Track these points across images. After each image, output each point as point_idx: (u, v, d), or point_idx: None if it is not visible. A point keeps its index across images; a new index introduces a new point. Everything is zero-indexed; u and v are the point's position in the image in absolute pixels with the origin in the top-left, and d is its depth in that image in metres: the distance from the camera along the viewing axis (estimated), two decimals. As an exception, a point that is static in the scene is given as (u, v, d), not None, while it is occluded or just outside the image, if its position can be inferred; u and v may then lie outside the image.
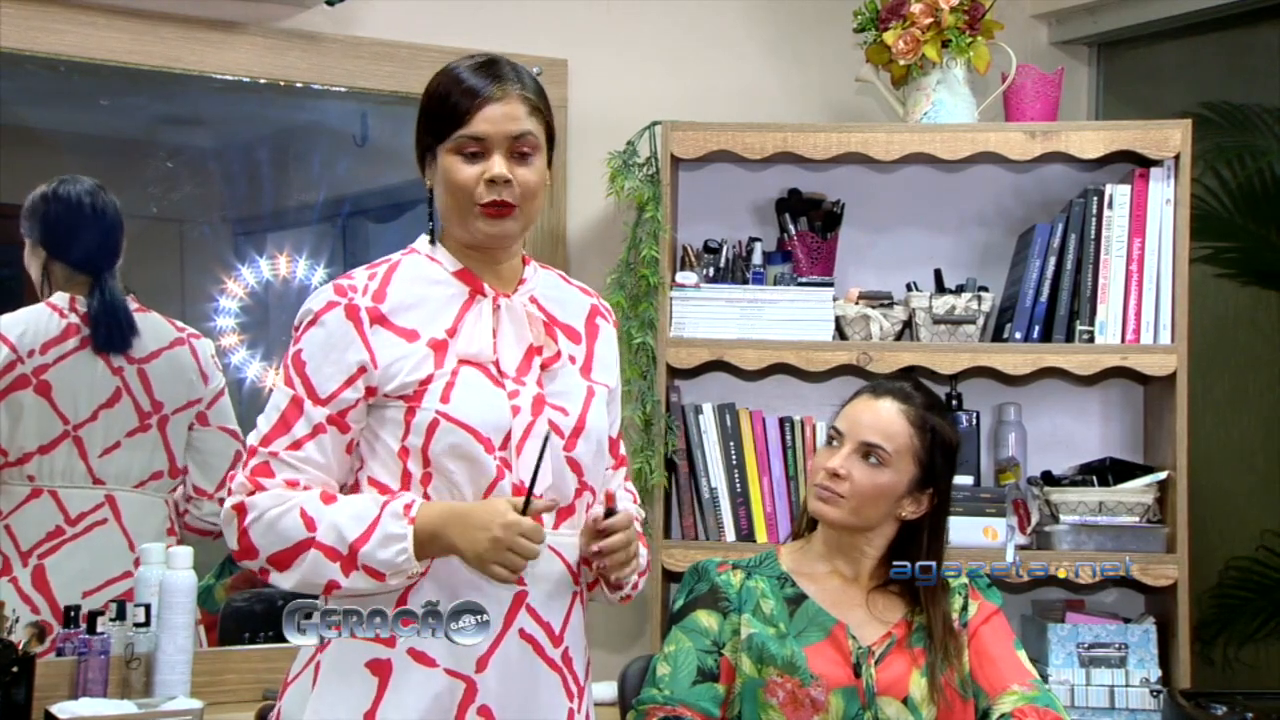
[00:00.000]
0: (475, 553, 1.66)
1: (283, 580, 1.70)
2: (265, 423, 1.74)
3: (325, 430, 1.72)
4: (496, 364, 1.78)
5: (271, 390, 1.78)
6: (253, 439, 1.74)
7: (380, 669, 1.71)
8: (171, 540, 2.63)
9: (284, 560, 1.68)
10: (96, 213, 2.63)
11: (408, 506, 1.69)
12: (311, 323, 1.74)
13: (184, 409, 2.68)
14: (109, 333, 2.59)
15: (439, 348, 1.75)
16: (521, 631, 1.75)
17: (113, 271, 2.62)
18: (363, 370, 1.73)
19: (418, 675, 1.71)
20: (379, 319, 1.74)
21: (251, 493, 1.70)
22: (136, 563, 2.56)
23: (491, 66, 1.78)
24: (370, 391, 1.73)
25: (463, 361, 1.76)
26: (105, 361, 2.60)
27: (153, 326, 2.67)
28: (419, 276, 1.79)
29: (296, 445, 1.72)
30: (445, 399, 1.73)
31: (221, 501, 2.58)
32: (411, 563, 1.67)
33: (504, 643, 1.73)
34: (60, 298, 2.58)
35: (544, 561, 1.74)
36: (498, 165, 1.74)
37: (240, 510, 1.70)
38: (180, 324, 2.73)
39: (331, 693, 1.72)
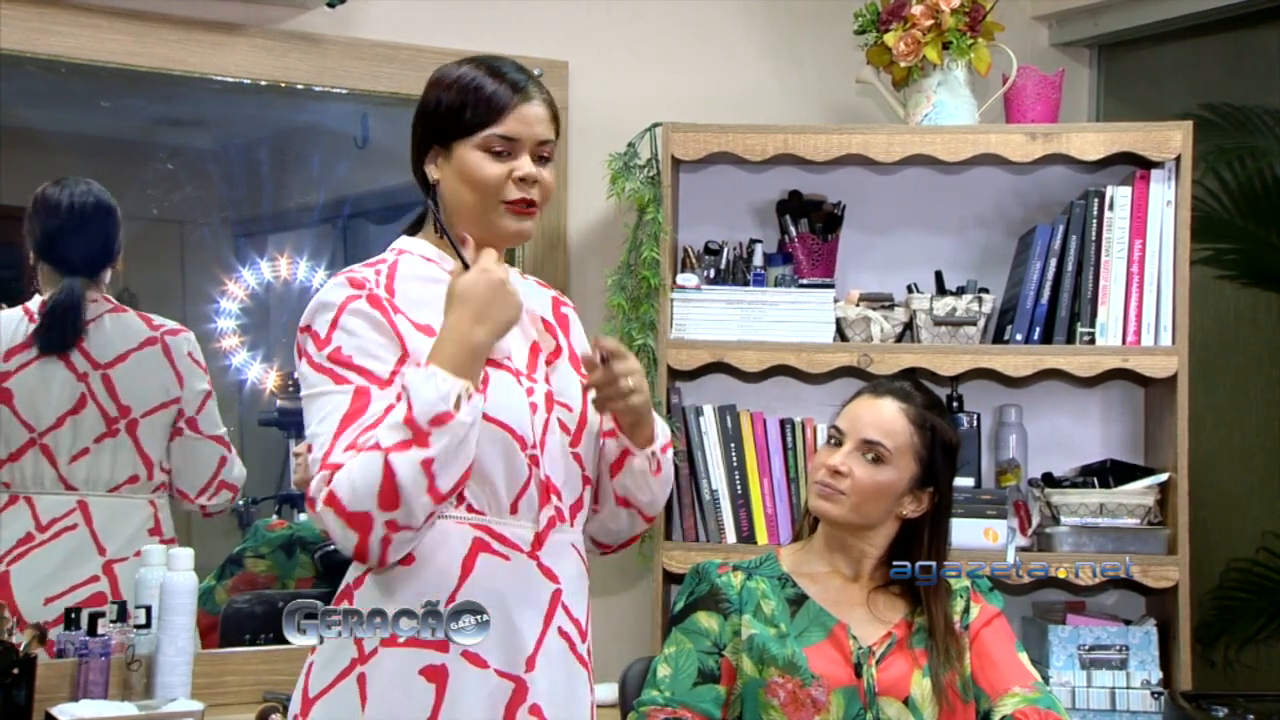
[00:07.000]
0: (505, 319, 1.66)
1: (414, 514, 1.56)
2: (327, 430, 1.59)
3: None
4: (511, 361, 1.76)
5: (312, 404, 1.63)
6: (314, 455, 1.60)
7: (436, 675, 1.64)
8: (154, 540, 2.56)
9: (388, 495, 1.54)
10: (76, 214, 2.56)
11: (416, 365, 1.61)
12: (335, 320, 1.64)
13: (156, 410, 2.59)
14: (48, 334, 2.50)
15: None
16: (560, 629, 1.73)
17: (96, 275, 2.56)
18: (404, 358, 1.64)
19: (473, 678, 1.66)
20: (399, 311, 1.68)
21: (329, 480, 1.56)
22: (107, 567, 2.51)
23: (516, 68, 1.77)
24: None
25: (486, 361, 1.70)
26: (68, 366, 2.52)
27: (123, 328, 2.58)
28: (420, 275, 1.74)
29: (372, 427, 1.57)
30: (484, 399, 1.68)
31: (204, 509, 2.64)
32: (458, 383, 1.58)
33: (546, 640, 1.71)
34: (35, 301, 2.53)
35: (567, 559, 1.74)
36: (527, 165, 1.74)
37: (333, 500, 1.55)
38: (160, 321, 2.63)
39: (387, 706, 1.64)
